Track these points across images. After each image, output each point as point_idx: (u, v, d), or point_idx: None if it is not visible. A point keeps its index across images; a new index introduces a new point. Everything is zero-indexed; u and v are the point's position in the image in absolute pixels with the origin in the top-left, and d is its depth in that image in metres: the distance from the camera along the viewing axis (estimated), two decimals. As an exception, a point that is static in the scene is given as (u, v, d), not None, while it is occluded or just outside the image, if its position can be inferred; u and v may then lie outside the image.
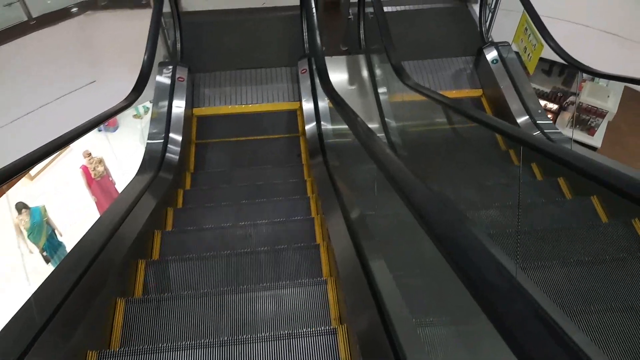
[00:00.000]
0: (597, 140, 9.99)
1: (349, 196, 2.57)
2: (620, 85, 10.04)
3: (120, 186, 7.39)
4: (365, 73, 4.51)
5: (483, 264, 0.81)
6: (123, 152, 8.28)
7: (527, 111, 4.08)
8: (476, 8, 5.62)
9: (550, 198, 3.25)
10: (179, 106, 4.15)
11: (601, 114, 9.24)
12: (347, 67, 4.63)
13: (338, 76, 4.53)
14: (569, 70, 9.77)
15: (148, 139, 3.71)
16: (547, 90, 9.49)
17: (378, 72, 4.45)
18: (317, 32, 3.65)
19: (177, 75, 4.35)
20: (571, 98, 9.49)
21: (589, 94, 9.17)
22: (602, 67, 3.89)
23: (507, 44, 4.75)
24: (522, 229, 2.82)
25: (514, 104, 4.17)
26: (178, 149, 3.71)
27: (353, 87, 4.48)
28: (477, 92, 4.84)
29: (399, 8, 5.61)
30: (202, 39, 5.13)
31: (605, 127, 10.05)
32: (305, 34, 4.77)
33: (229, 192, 3.55)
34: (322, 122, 3.91)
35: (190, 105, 4.50)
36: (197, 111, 4.56)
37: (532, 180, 3.63)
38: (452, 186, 3.55)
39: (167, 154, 3.64)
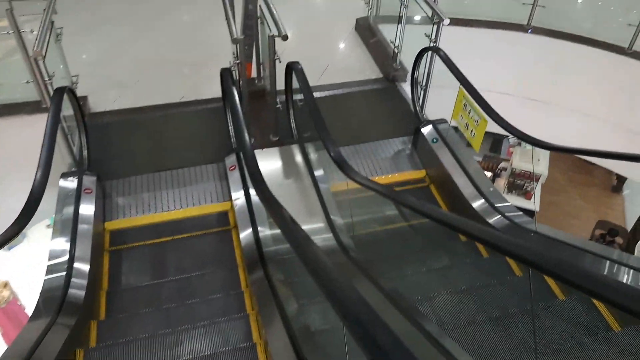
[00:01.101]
0: (534, 203, 10.05)
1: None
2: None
3: (30, 309, 6.38)
4: (301, 165, 4.09)
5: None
6: (33, 269, 7.27)
7: (481, 193, 3.77)
8: (405, 87, 5.49)
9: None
10: (86, 222, 3.50)
11: (535, 178, 9.35)
12: (280, 159, 4.20)
13: (271, 170, 4.08)
14: (494, 137, 9.98)
15: (46, 273, 3.02)
16: (478, 158, 9.54)
17: (316, 163, 4.04)
18: (244, 125, 3.24)
19: (83, 187, 3.72)
20: (502, 164, 9.58)
21: (520, 159, 9.28)
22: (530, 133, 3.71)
23: (445, 121, 4.55)
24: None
25: (466, 187, 3.86)
26: (84, 282, 3.03)
27: (289, 181, 4.03)
28: (420, 174, 4.54)
29: (327, 93, 5.36)
30: (113, 141, 4.57)
31: (540, 190, 10.20)
32: (230, 126, 4.34)
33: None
34: (259, 228, 3.39)
35: (101, 219, 3.85)
36: (110, 225, 3.90)
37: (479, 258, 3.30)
38: (411, 285, 3.15)
39: (71, 291, 2.94)
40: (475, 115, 3.82)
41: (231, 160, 4.05)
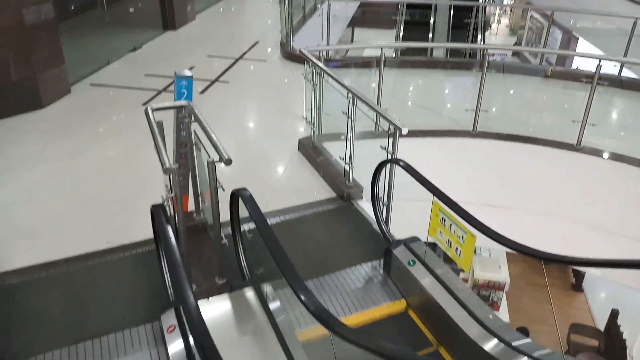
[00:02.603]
0: (503, 313, 9.46)
1: None
2: (503, 253, 10.04)
3: None
4: (259, 314, 3.29)
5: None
6: None
7: (486, 328, 3.09)
8: (362, 204, 4.99)
9: None
10: None
11: (500, 286, 8.86)
12: (232, 309, 3.38)
13: (221, 326, 3.23)
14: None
15: None
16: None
17: (278, 309, 3.25)
18: (183, 271, 2.51)
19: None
20: (462, 275, 9.03)
21: (481, 269, 8.83)
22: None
23: (418, 239, 3.99)
24: None
25: (464, 323, 3.18)
26: None
27: (246, 339, 3.18)
28: (400, 305, 3.83)
29: (278, 219, 4.74)
30: (21, 308, 3.60)
31: (505, 298, 9.68)
32: (166, 274, 3.54)
33: None
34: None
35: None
36: None
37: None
38: None
39: None
40: (459, 230, 3.28)
41: (169, 318, 3.19)
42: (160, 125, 3.69)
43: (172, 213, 3.56)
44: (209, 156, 3.48)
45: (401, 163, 3.85)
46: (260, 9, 13.73)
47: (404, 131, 3.92)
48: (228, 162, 3.35)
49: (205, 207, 4.32)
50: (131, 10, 9.92)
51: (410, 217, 4.26)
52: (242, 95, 7.82)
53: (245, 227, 3.75)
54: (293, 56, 9.08)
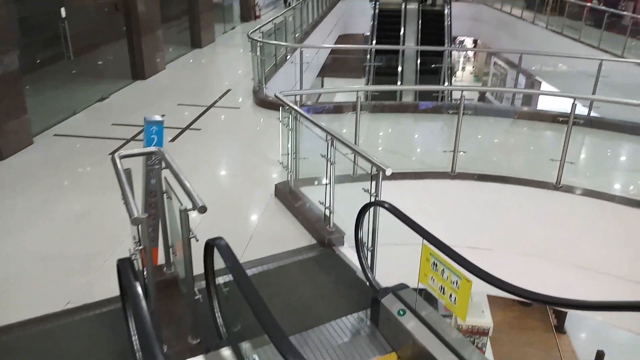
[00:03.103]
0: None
1: None
2: (484, 296, 9.83)
3: None
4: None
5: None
6: None
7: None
8: (344, 250, 4.76)
9: None
10: None
11: (484, 332, 8.61)
12: (208, 374, 3.05)
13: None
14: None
15: None
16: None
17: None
18: (152, 331, 2.21)
19: None
20: (451, 321, 8.76)
21: (466, 313, 8.58)
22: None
23: (406, 286, 3.75)
24: None
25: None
26: None
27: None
28: (391, 358, 3.55)
29: (255, 270, 4.45)
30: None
31: (489, 344, 9.40)
32: (134, 335, 3.19)
33: None
34: None
35: None
36: None
37: None
38: None
39: None
40: (453, 275, 3.07)
41: (138, 387, 2.84)
42: (128, 173, 3.44)
43: (141, 267, 3.25)
44: (181, 204, 3.24)
45: (386, 205, 3.66)
46: (231, 59, 13.77)
47: (388, 172, 3.76)
48: (202, 209, 3.11)
49: (176, 259, 4.01)
50: (99, 62, 9.75)
51: (397, 262, 4.05)
52: (215, 142, 7.62)
53: (220, 280, 3.46)
54: (266, 103, 9.00)
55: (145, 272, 3.28)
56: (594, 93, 8.37)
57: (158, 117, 4.02)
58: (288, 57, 10.76)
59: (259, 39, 9.08)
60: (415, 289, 3.62)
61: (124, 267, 2.81)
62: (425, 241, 3.31)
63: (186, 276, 3.41)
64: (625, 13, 15.21)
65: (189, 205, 3.18)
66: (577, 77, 12.00)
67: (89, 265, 4.50)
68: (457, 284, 3.05)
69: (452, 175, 6.10)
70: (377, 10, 18.28)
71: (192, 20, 13.81)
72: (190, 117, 8.54)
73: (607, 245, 5.71)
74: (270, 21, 10.94)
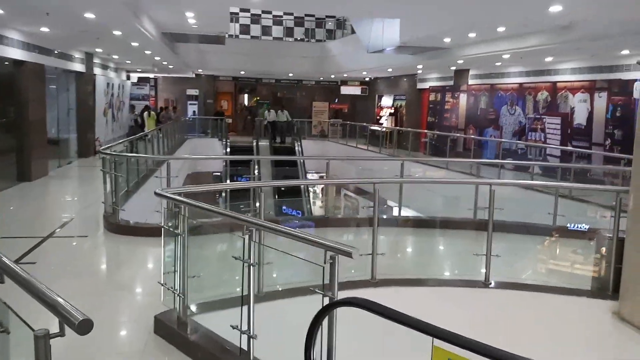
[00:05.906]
0: None
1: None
2: None
3: None
4: None
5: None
6: None
7: None
8: None
9: None
10: None
11: None
12: None
13: None
14: None
15: None
16: None
17: None
18: None
19: None
20: None
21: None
22: None
23: None
24: None
25: None
26: None
27: None
28: None
29: None
30: None
31: None
32: None
33: None
34: None
35: None
36: None
37: None
38: None
39: None
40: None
41: None
42: None
43: None
44: (33, 329, 1.77)
45: (358, 301, 2.53)
46: (75, 185, 12.44)
47: (355, 255, 2.68)
48: (85, 325, 1.70)
49: None
50: None
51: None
52: (56, 277, 5.72)
53: None
54: (122, 228, 7.40)
55: None
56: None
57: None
58: (148, 176, 9.41)
59: (114, 152, 7.74)
60: None
61: None
62: (436, 341, 2.23)
63: None
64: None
65: (52, 327, 1.74)
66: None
67: None
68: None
69: (373, 282, 5.16)
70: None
71: (19, 154, 11.99)
72: (20, 250, 6.53)
73: (548, 336, 5.11)
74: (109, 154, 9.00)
